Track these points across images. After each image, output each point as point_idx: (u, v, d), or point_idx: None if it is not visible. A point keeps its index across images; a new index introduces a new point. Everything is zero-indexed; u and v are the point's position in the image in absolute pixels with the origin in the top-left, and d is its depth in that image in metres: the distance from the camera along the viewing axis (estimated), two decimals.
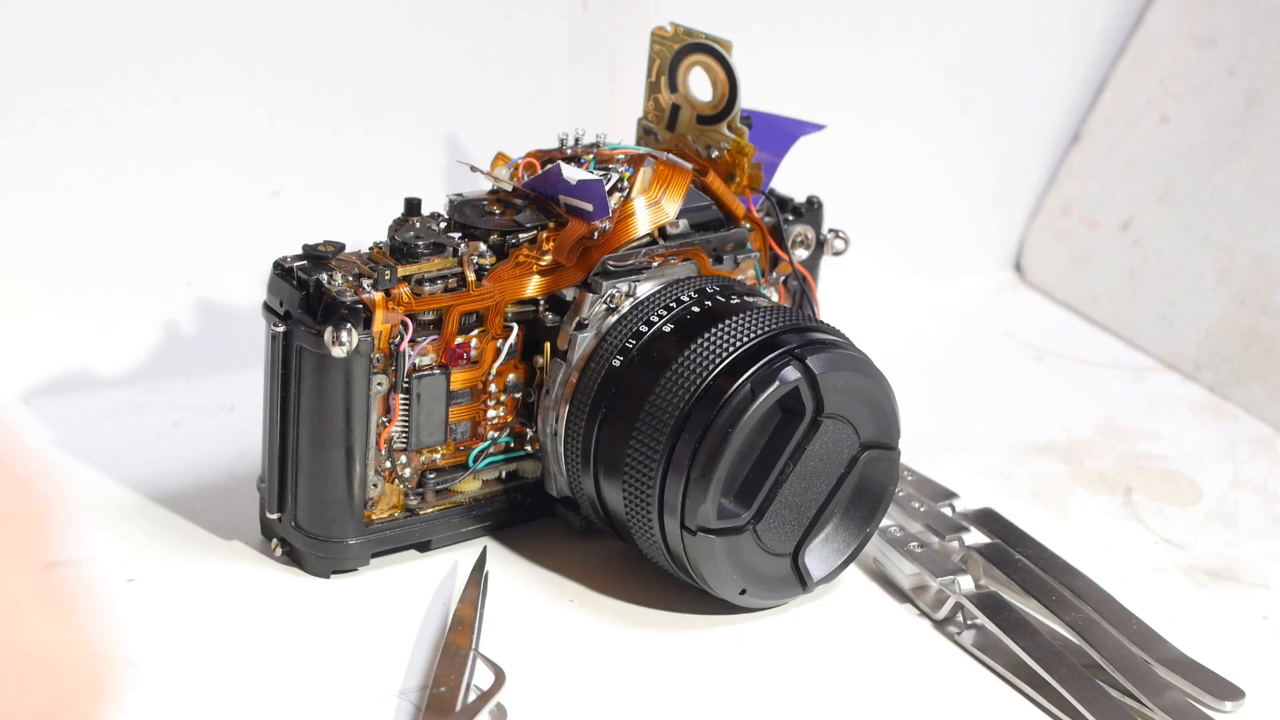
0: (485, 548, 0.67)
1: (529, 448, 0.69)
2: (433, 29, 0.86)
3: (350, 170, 0.86)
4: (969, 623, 0.66)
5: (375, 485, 0.66)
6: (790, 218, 0.74)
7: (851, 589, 0.69)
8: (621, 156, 0.70)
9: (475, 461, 0.68)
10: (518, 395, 0.68)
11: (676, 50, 0.72)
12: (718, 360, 0.63)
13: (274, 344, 0.64)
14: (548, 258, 0.67)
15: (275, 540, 0.67)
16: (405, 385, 0.65)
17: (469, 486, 0.69)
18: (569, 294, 0.67)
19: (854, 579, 0.70)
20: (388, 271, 0.63)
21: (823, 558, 0.66)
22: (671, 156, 0.70)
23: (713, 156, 0.72)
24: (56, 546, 0.38)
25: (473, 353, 0.67)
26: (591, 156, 0.70)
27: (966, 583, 0.66)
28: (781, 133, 0.73)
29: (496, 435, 0.68)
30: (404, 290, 0.64)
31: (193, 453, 0.76)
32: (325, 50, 0.84)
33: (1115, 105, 1.01)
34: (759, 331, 0.64)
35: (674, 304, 0.66)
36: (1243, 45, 0.95)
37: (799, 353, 0.63)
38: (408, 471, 0.67)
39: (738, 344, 0.63)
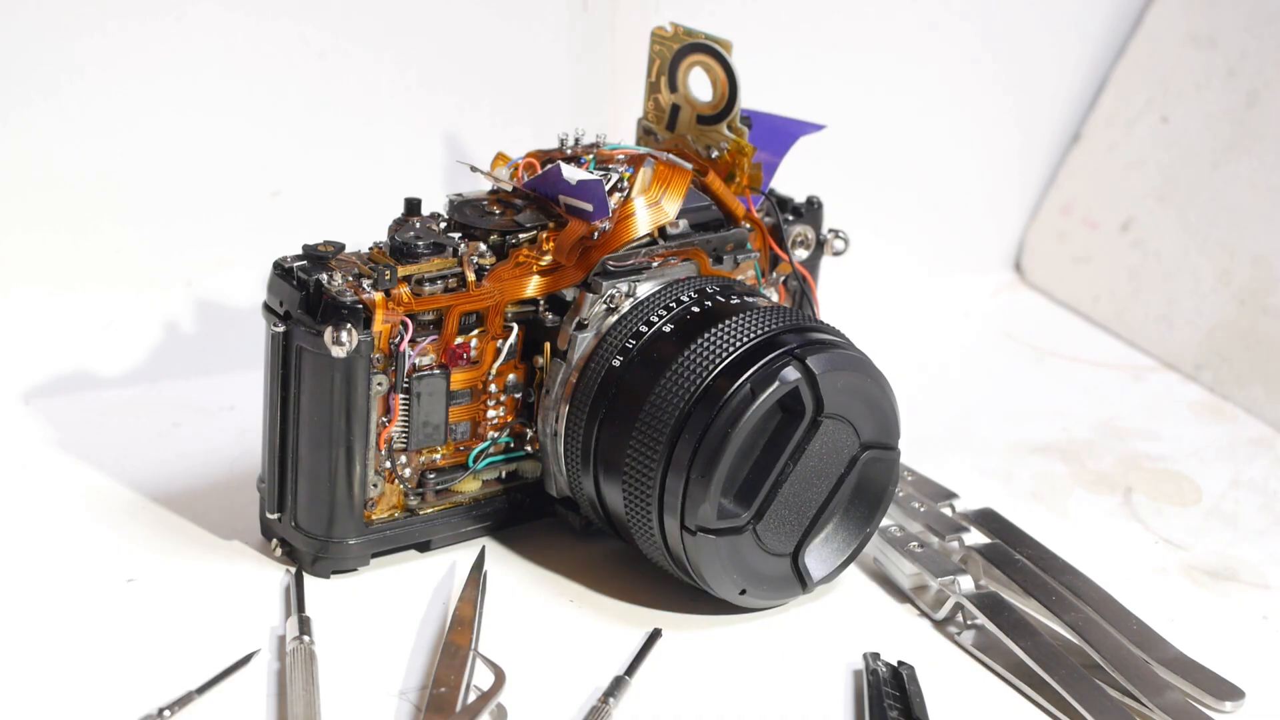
0: (484, 547, 0.67)
1: (529, 448, 0.69)
2: (433, 29, 0.86)
3: (350, 170, 0.86)
4: (969, 623, 0.66)
5: (375, 485, 0.66)
6: (790, 218, 0.74)
7: (851, 589, 0.69)
8: (621, 156, 0.70)
9: (475, 461, 0.68)
10: (518, 395, 0.68)
11: (676, 50, 0.72)
12: (718, 360, 0.63)
13: (274, 344, 0.64)
14: (548, 258, 0.67)
15: (275, 540, 0.67)
16: (405, 385, 0.65)
17: (469, 486, 0.69)
18: (569, 294, 0.67)
19: (854, 579, 0.70)
20: (388, 272, 0.63)
21: (823, 558, 0.66)
22: (671, 156, 0.70)
23: (713, 156, 0.72)
24: None
25: (473, 353, 0.67)
26: (591, 156, 0.70)
27: (966, 583, 0.66)
28: (781, 133, 0.73)
29: (496, 435, 0.68)
30: (404, 290, 0.64)
31: (193, 453, 0.76)
32: (325, 50, 0.84)
33: (1115, 105, 1.01)
34: (759, 332, 0.64)
35: (674, 304, 0.66)
36: (1243, 45, 0.95)
37: (799, 353, 0.63)
38: (408, 471, 0.67)
39: (738, 344, 0.63)
